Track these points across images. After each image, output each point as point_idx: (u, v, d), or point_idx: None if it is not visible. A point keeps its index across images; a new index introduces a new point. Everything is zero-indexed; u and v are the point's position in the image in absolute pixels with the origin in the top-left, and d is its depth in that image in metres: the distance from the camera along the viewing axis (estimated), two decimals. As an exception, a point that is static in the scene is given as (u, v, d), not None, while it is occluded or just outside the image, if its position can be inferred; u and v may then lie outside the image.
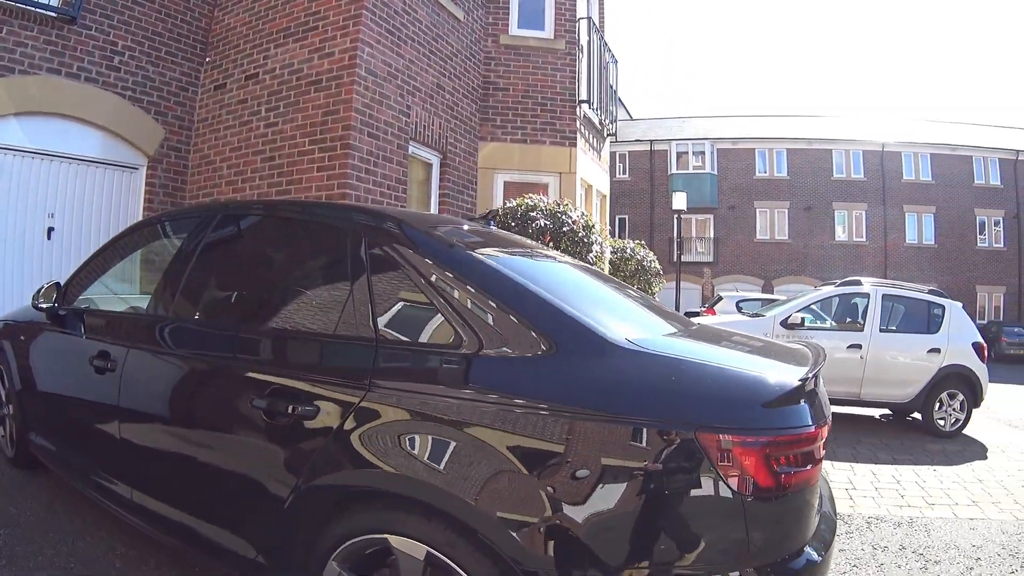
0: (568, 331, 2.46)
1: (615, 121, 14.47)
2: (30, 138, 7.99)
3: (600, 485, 2.13)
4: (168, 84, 9.18)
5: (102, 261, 4.66)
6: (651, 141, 40.10)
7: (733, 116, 45.14)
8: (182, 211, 5.24)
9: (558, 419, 2.21)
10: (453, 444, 2.35)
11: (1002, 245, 38.39)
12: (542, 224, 8.72)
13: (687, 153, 40.26)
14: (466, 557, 2.26)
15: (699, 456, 2.09)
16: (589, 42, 12.51)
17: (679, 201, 24.62)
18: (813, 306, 11.11)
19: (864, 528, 5.40)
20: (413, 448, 2.42)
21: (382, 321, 2.75)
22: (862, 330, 10.33)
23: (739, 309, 19.43)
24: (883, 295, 10.68)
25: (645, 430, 2.13)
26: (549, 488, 2.17)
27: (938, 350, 10.14)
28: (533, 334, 2.45)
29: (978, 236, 38.51)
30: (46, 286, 4.51)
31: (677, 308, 19.44)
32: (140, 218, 8.66)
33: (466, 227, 3.62)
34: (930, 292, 11.08)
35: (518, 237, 4.52)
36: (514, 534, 2.19)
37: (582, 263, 4.05)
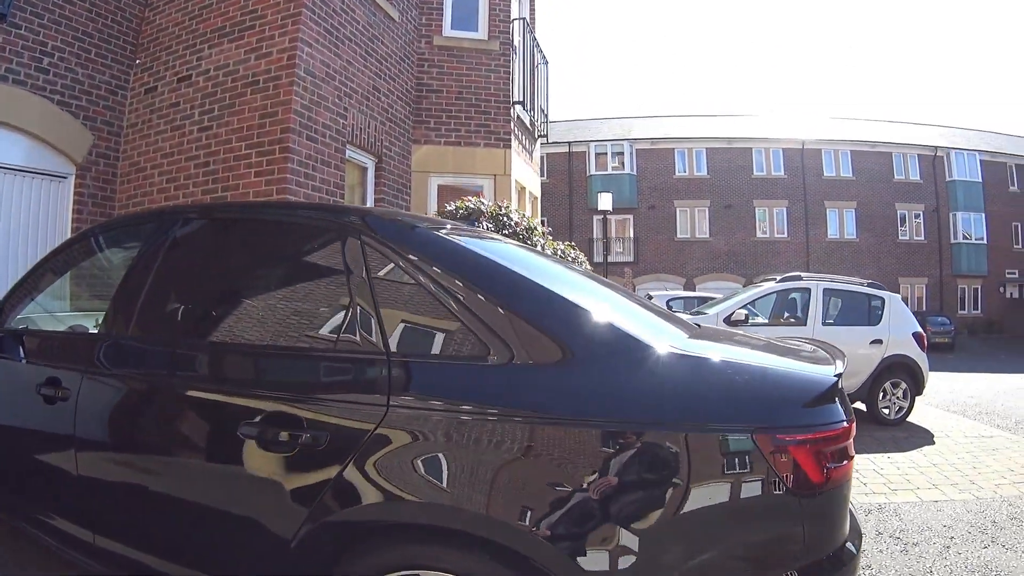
0: (609, 339, 2.42)
1: (547, 123, 14.60)
2: (-53, 145, 7.60)
3: (660, 497, 2.10)
4: (97, 87, 8.86)
5: (41, 277, 4.18)
6: (569, 143, 40.64)
7: (651, 117, 46.17)
8: (132, 217, 4.74)
9: (605, 432, 2.15)
10: (495, 466, 2.23)
11: (922, 238, 40.41)
12: (485, 227, 8.68)
13: (606, 154, 41.05)
14: None
15: (757, 458, 2.11)
16: (523, 43, 12.60)
17: (605, 202, 24.97)
18: (756, 302, 11.44)
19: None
20: (445, 473, 2.27)
21: (393, 332, 2.57)
22: (805, 324, 10.70)
23: (669, 308, 19.72)
24: (824, 289, 11.07)
25: (702, 436, 2.14)
26: (603, 502, 2.11)
27: (880, 341, 10.58)
28: (571, 344, 2.35)
29: (899, 230, 40.46)
30: None
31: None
32: (69, 231, 8.41)
33: (449, 227, 3.32)
34: (869, 285, 11.47)
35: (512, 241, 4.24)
36: (575, 558, 2.10)
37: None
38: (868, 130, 42.96)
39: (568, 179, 41.06)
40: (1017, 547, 5.06)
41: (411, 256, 2.67)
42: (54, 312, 4.37)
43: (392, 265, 2.69)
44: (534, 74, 13.28)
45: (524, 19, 12.83)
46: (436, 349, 2.56)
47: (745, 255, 39.73)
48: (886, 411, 10.48)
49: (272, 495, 2.55)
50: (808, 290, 11.11)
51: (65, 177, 8.64)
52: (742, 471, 2.13)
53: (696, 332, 3.12)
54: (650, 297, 24.04)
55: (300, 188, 8.00)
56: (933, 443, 8.98)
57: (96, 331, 3.55)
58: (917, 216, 40.76)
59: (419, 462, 2.30)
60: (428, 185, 11.53)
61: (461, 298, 2.50)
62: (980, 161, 41.44)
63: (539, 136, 14.43)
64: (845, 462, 2.31)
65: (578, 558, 2.10)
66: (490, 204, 9.22)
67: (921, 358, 10.78)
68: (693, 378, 2.32)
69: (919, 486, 6.72)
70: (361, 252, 2.73)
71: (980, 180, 41.14)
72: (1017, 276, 41.97)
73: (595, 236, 38.32)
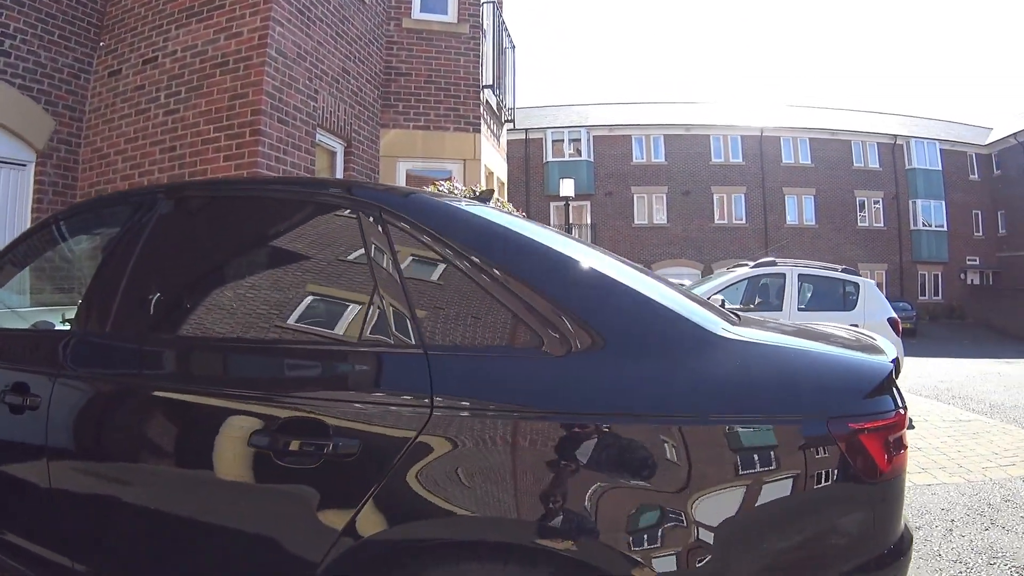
0: (678, 327, 2.32)
1: (514, 108, 14.66)
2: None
3: (737, 491, 2.02)
4: (60, 71, 8.66)
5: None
6: (526, 130, 40.66)
7: (609, 104, 46.45)
8: (98, 201, 4.10)
9: (671, 426, 2.04)
10: (554, 471, 2.06)
11: (882, 225, 41.32)
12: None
13: (563, 141, 41.39)
14: None
15: (831, 447, 2.07)
16: (492, 26, 12.67)
17: (567, 188, 25.09)
18: (730, 287, 11.55)
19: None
20: (501, 484, 2.10)
21: (428, 322, 2.35)
22: (781, 310, 10.85)
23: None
24: (799, 275, 11.26)
25: (779, 427, 2.08)
26: (672, 502, 2.00)
27: (856, 326, 10.69)
28: (633, 331, 2.26)
29: (858, 216, 41.31)
30: None
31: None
32: (29, 221, 8.23)
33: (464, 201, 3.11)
34: (843, 271, 11.68)
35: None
36: (651, 562, 1.99)
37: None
38: (827, 118, 43.72)
39: (525, 166, 41.19)
40: (1017, 529, 5.25)
41: (440, 236, 2.44)
42: (15, 308, 4.01)
43: (422, 247, 2.47)
44: (502, 58, 13.34)
45: (493, 2, 12.88)
46: (480, 340, 2.33)
47: (703, 241, 40.33)
48: (864, 397, 10.60)
49: (293, 513, 2.31)
50: (783, 275, 11.26)
51: (25, 165, 8.44)
52: (817, 461, 2.07)
53: (739, 321, 2.91)
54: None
55: (270, 172, 7.92)
56: (913, 427, 9.18)
57: (68, 328, 3.18)
58: (876, 203, 41.66)
59: (468, 469, 2.12)
60: (396, 170, 11.53)
61: (505, 282, 2.31)
62: (940, 150, 42.52)
63: (506, 121, 14.53)
64: (904, 449, 2.28)
65: (655, 561, 1.99)
66: (464, 188, 9.26)
67: (897, 343, 10.95)
68: (764, 366, 2.24)
69: (909, 471, 6.80)
70: (385, 234, 2.50)
71: (940, 168, 42.21)
72: (978, 263, 43.20)
73: (552, 223, 38.50)
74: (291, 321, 2.62)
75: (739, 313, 3.44)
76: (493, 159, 13.25)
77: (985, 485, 6.41)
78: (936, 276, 42.34)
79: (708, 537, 1.98)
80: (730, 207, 41.02)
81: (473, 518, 2.10)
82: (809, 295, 11.44)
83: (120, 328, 2.88)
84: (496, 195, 9.51)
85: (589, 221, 41.05)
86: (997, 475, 6.79)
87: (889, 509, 2.25)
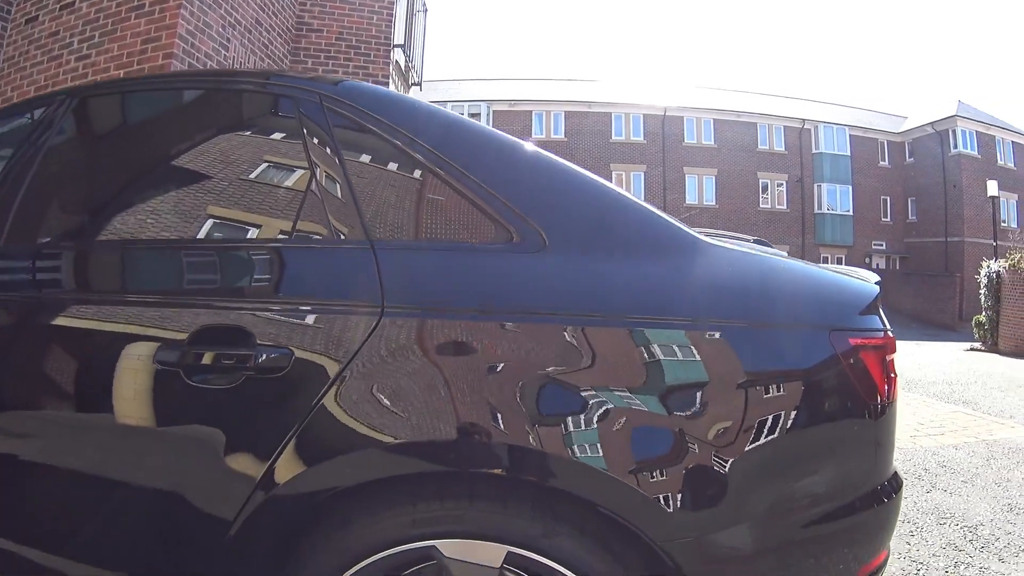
0: (665, 229, 2.17)
1: (422, 70, 14.87)
2: None
3: (736, 408, 1.86)
4: None
5: None
6: (429, 102, 40.67)
7: (510, 79, 46.74)
8: (5, 110, 3.08)
9: (671, 329, 1.89)
10: (529, 380, 1.85)
11: (784, 207, 42.63)
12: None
13: (462, 114, 41.29)
14: (568, 544, 1.84)
15: (836, 364, 1.95)
16: (407, -16, 12.71)
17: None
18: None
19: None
20: (467, 401, 1.86)
21: (376, 216, 2.12)
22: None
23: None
24: (708, 246, 11.63)
25: (780, 334, 1.97)
26: (674, 420, 1.83)
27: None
28: (630, 232, 2.14)
29: (761, 197, 42.56)
30: None
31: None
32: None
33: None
34: (755, 242, 12.01)
35: None
36: (645, 492, 1.80)
37: None
38: (734, 100, 44.92)
39: (423, 141, 41.16)
40: (960, 492, 5.69)
41: (385, 120, 2.25)
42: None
43: (367, 134, 2.26)
44: (414, 20, 13.51)
45: (410, -41, 12.92)
46: (432, 234, 2.11)
47: (600, 216, 41.00)
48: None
49: (207, 451, 1.97)
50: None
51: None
52: (820, 378, 1.96)
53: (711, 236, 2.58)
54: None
55: (177, 118, 7.94)
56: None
57: None
58: (780, 185, 43.13)
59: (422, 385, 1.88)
60: (302, 128, 11.48)
61: (468, 170, 2.14)
62: (849, 135, 44.21)
63: (413, 84, 14.67)
64: (895, 378, 2.16)
65: (654, 485, 1.82)
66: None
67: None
68: (758, 274, 2.12)
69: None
70: (325, 120, 2.27)
71: (848, 154, 43.92)
72: (884, 247, 44.99)
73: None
74: (211, 219, 2.30)
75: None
76: (401, 121, 13.34)
77: (917, 452, 6.93)
78: (840, 259, 43.43)
79: (713, 461, 1.83)
80: (628, 185, 41.72)
81: (432, 443, 1.87)
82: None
83: (14, 241, 2.45)
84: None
85: (486, 195, 41.24)
86: (927, 443, 7.34)
87: (887, 436, 2.13)
